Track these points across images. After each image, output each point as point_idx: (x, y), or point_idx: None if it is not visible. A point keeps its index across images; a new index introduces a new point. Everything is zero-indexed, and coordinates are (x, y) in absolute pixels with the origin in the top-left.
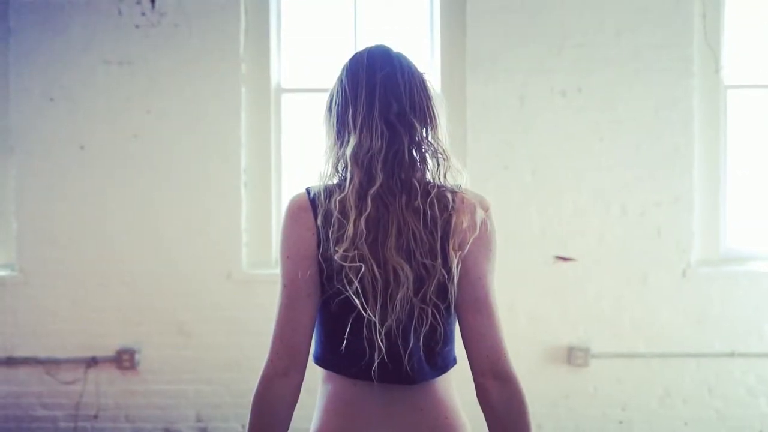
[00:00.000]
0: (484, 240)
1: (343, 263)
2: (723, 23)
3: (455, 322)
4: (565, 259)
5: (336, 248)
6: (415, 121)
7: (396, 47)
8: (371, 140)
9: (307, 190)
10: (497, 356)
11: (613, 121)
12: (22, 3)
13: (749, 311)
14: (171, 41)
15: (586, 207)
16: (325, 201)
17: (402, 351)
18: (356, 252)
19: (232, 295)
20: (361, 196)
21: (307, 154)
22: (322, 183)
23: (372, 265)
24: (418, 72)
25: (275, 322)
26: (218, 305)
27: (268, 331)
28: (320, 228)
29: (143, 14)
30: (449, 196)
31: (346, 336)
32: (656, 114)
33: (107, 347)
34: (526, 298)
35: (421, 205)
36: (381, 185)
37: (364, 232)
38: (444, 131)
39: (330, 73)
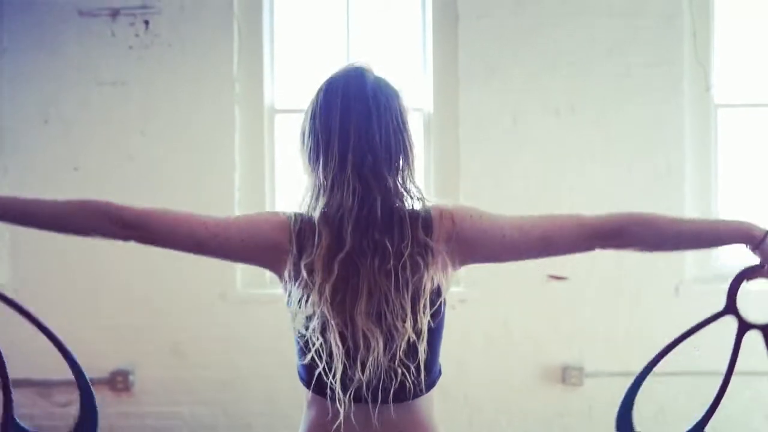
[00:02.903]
0: (470, 223)
1: (304, 332)
2: (713, 42)
3: (434, 362)
4: (558, 278)
5: (299, 309)
6: (388, 174)
7: (373, 67)
8: (342, 198)
9: (291, 218)
10: (585, 227)
11: (605, 140)
12: (15, 23)
13: None
14: (165, 62)
15: None
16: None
17: (371, 408)
18: (318, 321)
19: (226, 315)
20: (327, 262)
21: (300, 174)
22: (303, 211)
23: (336, 333)
24: (395, 101)
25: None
26: (212, 325)
27: (263, 350)
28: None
29: (137, 35)
30: (424, 249)
31: (313, 381)
32: (648, 132)
33: (101, 369)
34: (520, 316)
35: (392, 269)
36: (351, 248)
37: (328, 299)
38: (416, 159)
39: None
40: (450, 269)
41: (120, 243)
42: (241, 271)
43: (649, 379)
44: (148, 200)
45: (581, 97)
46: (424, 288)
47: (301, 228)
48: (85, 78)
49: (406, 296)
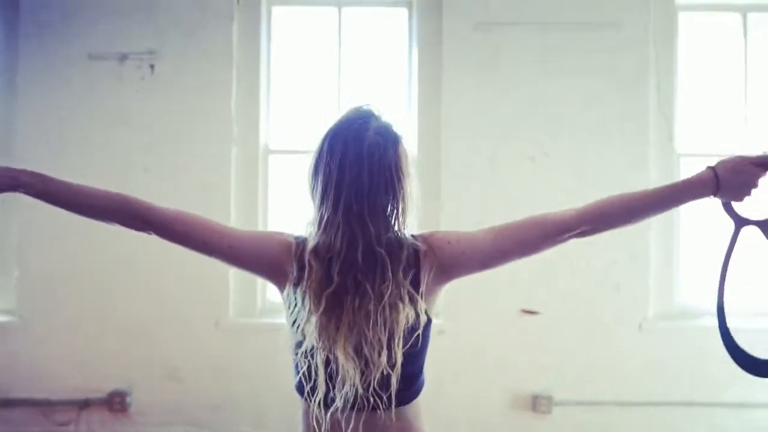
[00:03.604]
0: (449, 249)
1: (296, 353)
2: (676, 97)
3: (417, 376)
4: (530, 312)
5: (292, 333)
6: (373, 222)
7: (378, 111)
8: (332, 240)
9: (297, 243)
10: (557, 222)
11: (577, 184)
12: (30, 64)
13: (701, 362)
14: (167, 104)
15: (552, 264)
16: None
17: (344, 426)
18: (307, 345)
19: (219, 342)
20: (317, 294)
21: (291, 211)
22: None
23: (321, 358)
24: (392, 150)
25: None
26: (206, 351)
27: (254, 375)
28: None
29: (143, 78)
30: (401, 291)
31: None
32: (617, 177)
33: (100, 390)
34: (494, 348)
35: (372, 308)
36: (337, 286)
37: (316, 328)
38: (412, 200)
39: (313, 137)
40: (438, 290)
41: (121, 276)
42: (233, 301)
43: (614, 408)
44: (146, 235)
45: (555, 145)
46: (399, 325)
47: (302, 255)
48: (92, 117)
49: (383, 332)
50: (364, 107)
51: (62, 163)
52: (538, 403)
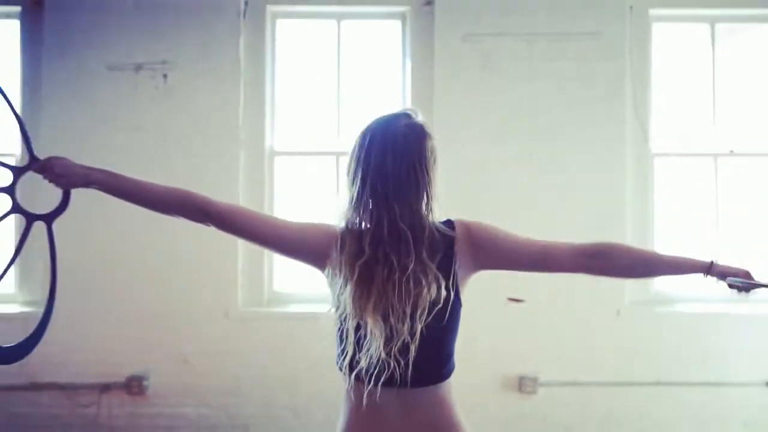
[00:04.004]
0: (486, 235)
1: (337, 320)
2: (650, 103)
3: (448, 356)
4: (516, 300)
5: (335, 299)
6: (395, 202)
7: (416, 113)
8: (360, 218)
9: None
10: (576, 248)
11: (559, 184)
12: (53, 76)
13: (673, 345)
14: (180, 111)
15: None
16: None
17: (365, 387)
18: (343, 312)
19: (229, 330)
20: (351, 265)
21: (296, 210)
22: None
23: (353, 323)
24: (417, 144)
25: (246, 210)
26: (217, 339)
27: (261, 361)
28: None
29: (156, 87)
30: (426, 268)
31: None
32: (595, 179)
33: (119, 374)
34: (484, 334)
35: (397, 280)
36: (368, 257)
37: (350, 295)
38: (436, 190)
39: (315, 139)
40: (468, 275)
41: (137, 270)
42: (242, 292)
43: (594, 388)
44: (162, 230)
45: (539, 147)
46: (422, 299)
47: (343, 238)
48: (109, 123)
49: (407, 303)
50: (406, 108)
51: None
52: (524, 384)
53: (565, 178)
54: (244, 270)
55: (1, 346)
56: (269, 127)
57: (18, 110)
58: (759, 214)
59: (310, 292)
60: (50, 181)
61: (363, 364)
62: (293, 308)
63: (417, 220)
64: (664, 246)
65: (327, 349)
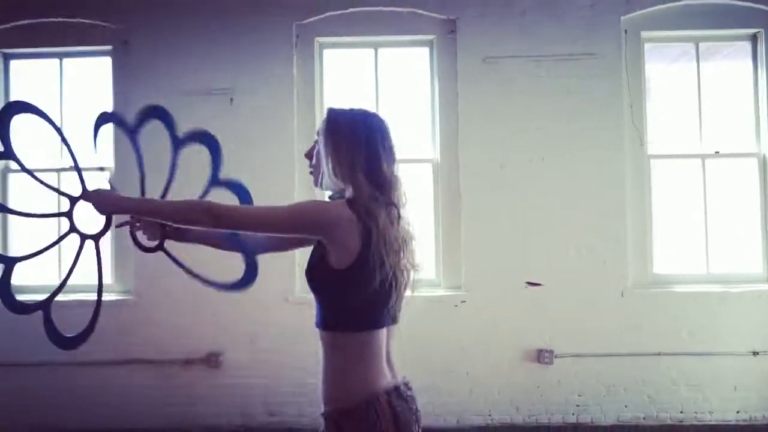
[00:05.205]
0: None
1: (365, 295)
2: (645, 111)
3: None
4: (534, 284)
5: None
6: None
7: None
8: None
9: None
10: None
11: (567, 182)
12: (138, 100)
13: (671, 321)
14: (244, 129)
15: (551, 247)
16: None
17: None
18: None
19: (289, 314)
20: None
21: None
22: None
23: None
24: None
25: (260, 210)
26: (279, 322)
27: (316, 341)
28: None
29: (223, 109)
30: None
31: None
32: (599, 178)
33: (198, 351)
34: (506, 314)
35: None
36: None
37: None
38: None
39: None
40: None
41: (212, 259)
42: (299, 280)
43: (603, 359)
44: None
45: (549, 151)
46: None
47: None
48: None
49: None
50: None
51: (162, 177)
52: (542, 356)
53: (571, 176)
54: (300, 263)
55: (65, 335)
56: None
57: (74, 151)
58: (742, 209)
59: None
60: (95, 209)
61: (396, 307)
62: None
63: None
64: (662, 236)
65: None
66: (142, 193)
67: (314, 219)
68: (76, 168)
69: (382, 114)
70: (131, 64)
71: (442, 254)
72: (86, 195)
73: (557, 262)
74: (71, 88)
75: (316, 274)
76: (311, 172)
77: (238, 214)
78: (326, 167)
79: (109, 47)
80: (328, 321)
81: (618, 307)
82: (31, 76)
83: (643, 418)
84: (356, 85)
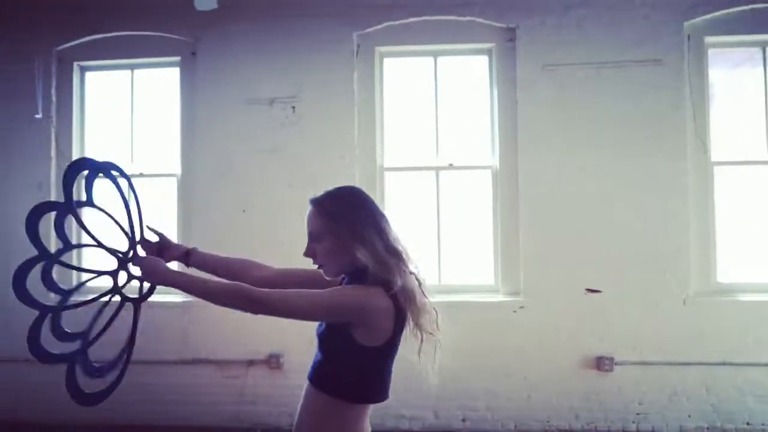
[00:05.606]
0: None
1: (380, 366)
2: (708, 118)
3: None
4: (594, 291)
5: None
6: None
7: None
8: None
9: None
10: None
11: (629, 189)
12: (203, 109)
13: (736, 330)
14: (306, 136)
15: (611, 254)
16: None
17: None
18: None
19: None
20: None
21: (403, 220)
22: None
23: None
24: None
25: (300, 300)
26: None
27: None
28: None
29: (287, 117)
30: None
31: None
32: (661, 185)
33: (261, 353)
34: (565, 319)
35: None
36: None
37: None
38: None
39: (415, 158)
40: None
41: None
42: None
43: (664, 368)
44: (295, 233)
45: (609, 158)
46: None
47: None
48: (250, 146)
49: None
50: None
51: (228, 181)
52: (602, 364)
53: (632, 183)
54: None
55: (86, 391)
56: (379, 147)
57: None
58: None
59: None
60: (143, 277)
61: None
62: None
63: None
64: (725, 244)
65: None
66: (132, 233)
67: (354, 312)
68: (132, 238)
69: (442, 121)
70: (198, 74)
71: (501, 260)
72: (138, 261)
73: (617, 270)
74: (142, 97)
75: (335, 342)
76: (319, 267)
77: (279, 305)
78: (339, 252)
79: (177, 58)
80: (327, 384)
81: (680, 316)
82: (105, 87)
83: (707, 429)
84: (416, 93)
